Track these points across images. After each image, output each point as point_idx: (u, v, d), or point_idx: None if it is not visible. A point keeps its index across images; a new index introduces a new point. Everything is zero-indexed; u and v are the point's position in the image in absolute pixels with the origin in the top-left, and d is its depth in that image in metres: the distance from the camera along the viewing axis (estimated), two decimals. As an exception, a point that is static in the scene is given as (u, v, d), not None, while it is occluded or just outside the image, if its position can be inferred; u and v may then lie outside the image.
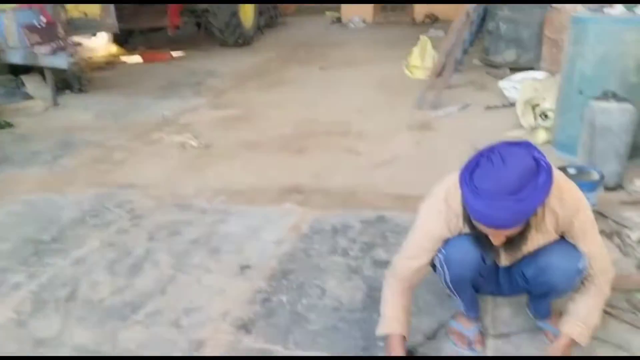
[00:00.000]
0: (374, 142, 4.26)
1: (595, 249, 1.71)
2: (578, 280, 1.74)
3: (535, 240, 1.68)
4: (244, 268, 2.59)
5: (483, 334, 2.03)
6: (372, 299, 2.27)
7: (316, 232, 2.89)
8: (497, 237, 1.55)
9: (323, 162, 3.91)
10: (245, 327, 2.18)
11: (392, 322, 1.78)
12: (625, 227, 2.68)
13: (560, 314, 1.91)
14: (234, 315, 2.25)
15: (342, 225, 2.94)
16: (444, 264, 1.75)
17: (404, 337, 1.77)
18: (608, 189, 3.09)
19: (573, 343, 1.76)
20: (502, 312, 2.18)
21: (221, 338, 2.12)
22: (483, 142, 1.63)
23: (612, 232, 2.64)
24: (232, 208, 3.22)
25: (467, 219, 1.60)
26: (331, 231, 2.89)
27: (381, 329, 1.80)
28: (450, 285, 1.82)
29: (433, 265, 1.81)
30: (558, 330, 1.82)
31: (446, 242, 1.73)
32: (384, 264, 2.46)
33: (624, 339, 1.98)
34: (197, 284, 2.49)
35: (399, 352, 1.73)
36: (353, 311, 2.24)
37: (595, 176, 2.82)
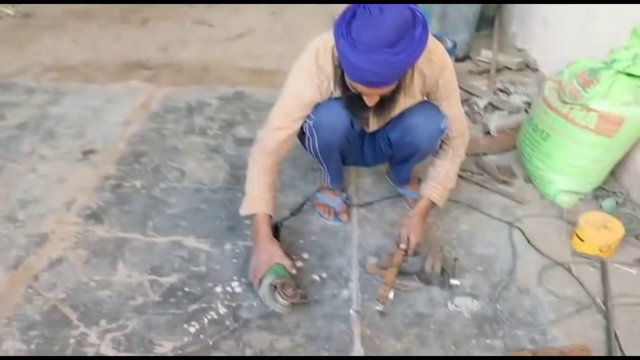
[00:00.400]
0: (225, 12, 3.93)
1: (455, 110, 1.74)
2: (439, 141, 1.77)
3: (402, 104, 1.65)
4: (87, 153, 2.30)
5: (348, 204, 2.06)
6: (236, 178, 2.16)
7: (169, 111, 2.64)
8: (371, 98, 1.48)
9: (171, 35, 3.53)
10: (95, 216, 1.96)
11: (256, 201, 1.70)
12: (474, 95, 2.82)
13: (419, 180, 1.97)
14: (80, 204, 2.01)
15: (198, 102, 2.72)
16: (313, 129, 1.66)
17: (270, 215, 1.71)
18: (458, 60, 3.20)
19: (431, 205, 1.84)
20: (365, 182, 2.21)
21: (68, 230, 1.89)
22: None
23: (462, 101, 2.75)
24: (64, 87, 2.81)
25: (340, 80, 1.50)
26: (186, 109, 2.66)
27: (246, 209, 1.71)
28: (319, 152, 1.76)
29: (300, 136, 1.73)
30: (417, 195, 1.88)
31: (316, 107, 1.64)
32: (246, 142, 2.34)
33: (473, 198, 2.13)
34: (31, 173, 2.16)
35: (265, 230, 1.67)
36: (216, 191, 2.12)
37: (449, 44, 2.88)
